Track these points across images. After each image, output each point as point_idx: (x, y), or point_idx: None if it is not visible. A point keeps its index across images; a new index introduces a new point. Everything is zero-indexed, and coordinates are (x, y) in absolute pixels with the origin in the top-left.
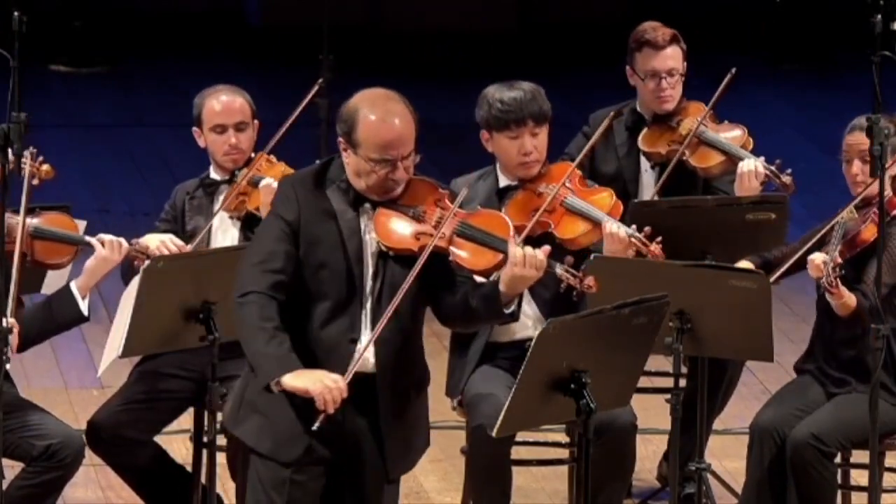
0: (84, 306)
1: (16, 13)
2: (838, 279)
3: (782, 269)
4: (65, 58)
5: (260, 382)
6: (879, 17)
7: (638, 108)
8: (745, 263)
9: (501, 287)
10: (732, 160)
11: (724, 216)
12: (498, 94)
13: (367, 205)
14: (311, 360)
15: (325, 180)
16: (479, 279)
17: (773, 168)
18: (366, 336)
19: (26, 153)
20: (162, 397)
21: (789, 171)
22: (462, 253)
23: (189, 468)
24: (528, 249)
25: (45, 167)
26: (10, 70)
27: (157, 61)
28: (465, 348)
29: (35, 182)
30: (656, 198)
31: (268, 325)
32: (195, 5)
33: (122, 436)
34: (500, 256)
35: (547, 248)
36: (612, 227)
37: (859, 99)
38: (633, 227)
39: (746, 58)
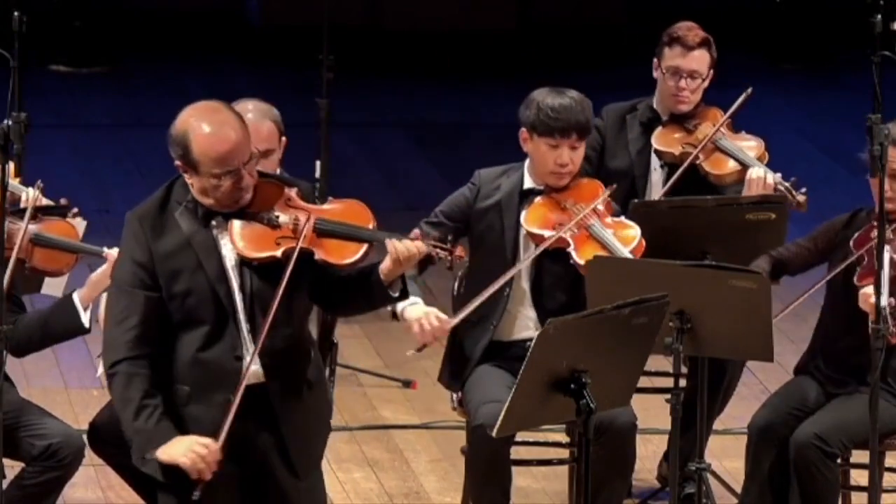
0: (86, 318)
1: (16, 13)
2: None
3: (806, 295)
4: (65, 58)
5: (135, 457)
6: (879, 17)
7: (655, 105)
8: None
9: (382, 275)
10: (746, 170)
11: (724, 216)
12: (549, 99)
13: (219, 218)
14: (199, 382)
15: (170, 204)
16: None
17: (787, 185)
18: (249, 350)
19: (62, 201)
20: None
21: (804, 189)
22: (326, 250)
23: None
24: (403, 244)
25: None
26: (10, 70)
27: (157, 61)
28: (465, 346)
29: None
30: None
31: (135, 397)
32: (195, 5)
33: (123, 437)
34: (364, 247)
35: (417, 231)
36: None
37: (859, 99)
38: None
39: (746, 58)
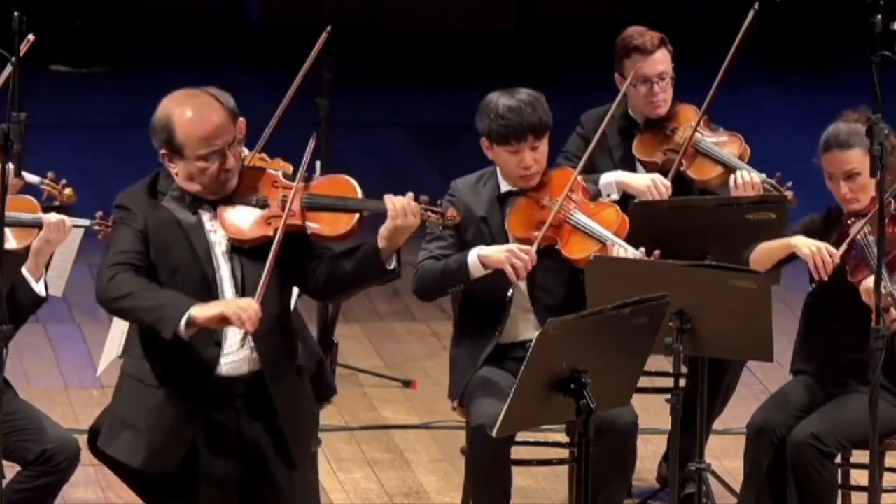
0: (39, 287)
1: (16, 13)
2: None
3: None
4: (65, 58)
5: (168, 330)
6: (879, 17)
7: (630, 112)
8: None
9: (381, 244)
10: (730, 172)
11: (724, 216)
12: (499, 106)
13: (206, 205)
14: (176, 364)
15: (157, 194)
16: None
17: (772, 182)
18: (237, 335)
19: (49, 174)
20: None
21: (790, 184)
22: (318, 224)
23: None
24: (400, 199)
25: (68, 191)
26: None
27: (157, 61)
28: (470, 355)
29: (56, 204)
30: None
31: (143, 285)
32: (195, 5)
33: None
34: (356, 216)
35: (410, 194)
36: (619, 251)
37: (859, 99)
38: (642, 249)
39: (746, 57)
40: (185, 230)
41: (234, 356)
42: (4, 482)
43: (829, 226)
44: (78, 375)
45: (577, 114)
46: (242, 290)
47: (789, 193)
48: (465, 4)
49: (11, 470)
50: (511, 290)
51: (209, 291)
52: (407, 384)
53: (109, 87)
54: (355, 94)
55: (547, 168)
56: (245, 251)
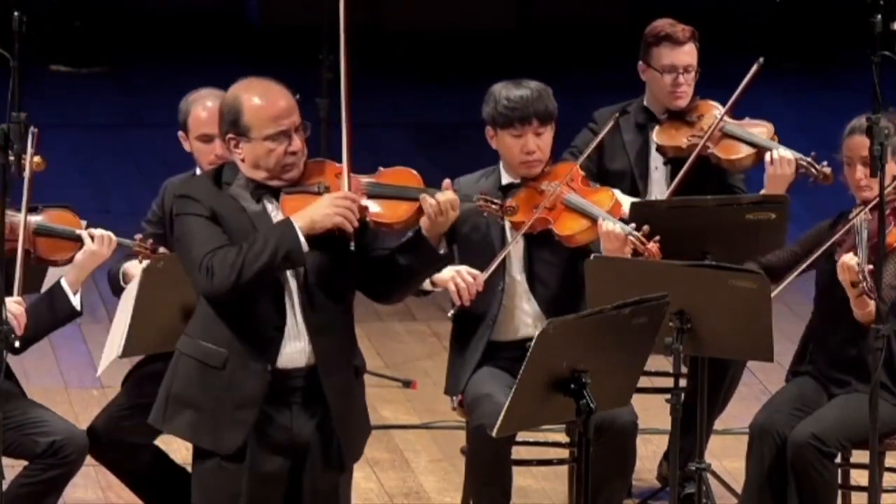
0: (76, 301)
1: (16, 13)
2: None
3: (793, 275)
4: (65, 58)
5: (300, 258)
6: (879, 17)
7: (647, 105)
8: None
9: (424, 233)
10: (761, 152)
11: (724, 216)
12: (505, 91)
13: (269, 195)
14: (239, 347)
15: (222, 184)
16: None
17: (809, 160)
18: (301, 325)
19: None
20: None
21: (825, 162)
22: (379, 210)
23: (189, 469)
24: (439, 194)
25: (36, 159)
26: (10, 70)
27: (157, 61)
28: (465, 347)
29: (26, 174)
30: (667, 195)
31: (237, 248)
32: (195, 5)
33: (122, 440)
34: (417, 204)
35: (447, 181)
36: (608, 225)
37: (859, 99)
38: (632, 225)
39: (746, 58)
40: (251, 217)
41: (290, 347)
42: (8, 481)
43: (837, 228)
44: (78, 375)
45: (577, 113)
46: (305, 280)
47: (827, 170)
48: (465, 4)
49: (13, 471)
50: (502, 282)
51: (276, 279)
52: (407, 384)
53: (109, 87)
54: (355, 94)
55: (550, 161)
56: (307, 240)
